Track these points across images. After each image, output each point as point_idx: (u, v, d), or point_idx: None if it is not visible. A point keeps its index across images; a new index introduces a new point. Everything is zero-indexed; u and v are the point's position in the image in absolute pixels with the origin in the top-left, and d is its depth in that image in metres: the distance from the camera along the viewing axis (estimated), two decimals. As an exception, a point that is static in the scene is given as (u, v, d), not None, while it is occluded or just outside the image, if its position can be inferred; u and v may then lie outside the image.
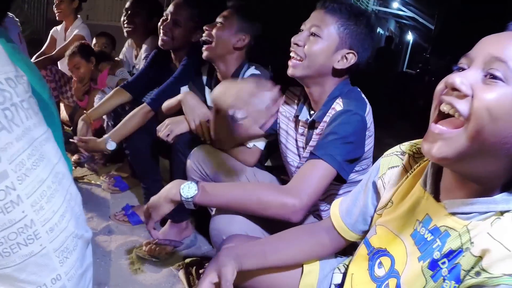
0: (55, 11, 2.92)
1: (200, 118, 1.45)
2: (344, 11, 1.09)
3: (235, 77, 1.54)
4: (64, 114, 2.88)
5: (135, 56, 2.38)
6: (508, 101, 0.53)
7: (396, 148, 0.82)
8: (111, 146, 1.65)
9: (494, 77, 0.54)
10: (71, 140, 1.77)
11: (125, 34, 2.22)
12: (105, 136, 1.69)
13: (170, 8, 1.77)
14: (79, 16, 3.00)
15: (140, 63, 2.24)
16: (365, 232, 0.83)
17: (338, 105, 1.09)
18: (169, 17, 1.75)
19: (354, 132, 1.03)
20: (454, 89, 0.56)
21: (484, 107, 0.53)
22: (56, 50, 2.89)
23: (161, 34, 1.76)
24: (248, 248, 0.87)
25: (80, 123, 1.83)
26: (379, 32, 15.53)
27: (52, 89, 2.65)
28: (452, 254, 0.58)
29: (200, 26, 1.70)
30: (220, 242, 1.09)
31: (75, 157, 2.36)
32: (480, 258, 0.53)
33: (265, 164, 1.62)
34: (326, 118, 1.10)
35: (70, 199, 0.73)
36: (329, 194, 1.19)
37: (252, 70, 1.53)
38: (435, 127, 0.59)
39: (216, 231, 1.10)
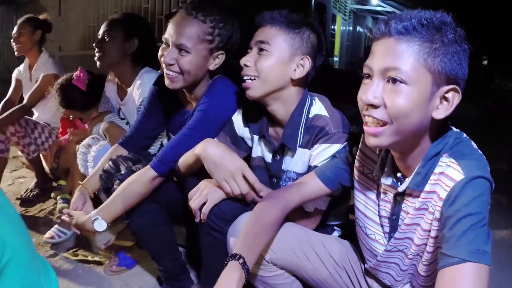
0: (13, 46, 2.39)
1: (235, 174, 1.06)
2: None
3: (298, 118, 1.15)
4: (46, 168, 2.46)
5: (118, 94, 1.86)
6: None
7: None
8: (100, 226, 1.25)
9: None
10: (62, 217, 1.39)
11: (97, 64, 1.71)
12: (92, 212, 1.26)
13: (169, 29, 1.22)
14: (43, 49, 2.47)
15: (129, 105, 1.77)
16: None
17: (452, 169, 0.77)
18: (169, 42, 1.22)
19: (487, 207, 0.75)
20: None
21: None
22: (26, 98, 2.35)
23: (165, 70, 1.23)
24: None
25: (76, 194, 1.41)
26: (359, 30, 15.40)
27: (26, 145, 2.21)
28: None
29: (217, 45, 1.24)
30: None
31: (47, 235, 1.81)
32: None
33: (327, 223, 1.23)
34: (433, 188, 0.80)
35: None
36: None
37: (319, 109, 1.16)
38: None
39: None
